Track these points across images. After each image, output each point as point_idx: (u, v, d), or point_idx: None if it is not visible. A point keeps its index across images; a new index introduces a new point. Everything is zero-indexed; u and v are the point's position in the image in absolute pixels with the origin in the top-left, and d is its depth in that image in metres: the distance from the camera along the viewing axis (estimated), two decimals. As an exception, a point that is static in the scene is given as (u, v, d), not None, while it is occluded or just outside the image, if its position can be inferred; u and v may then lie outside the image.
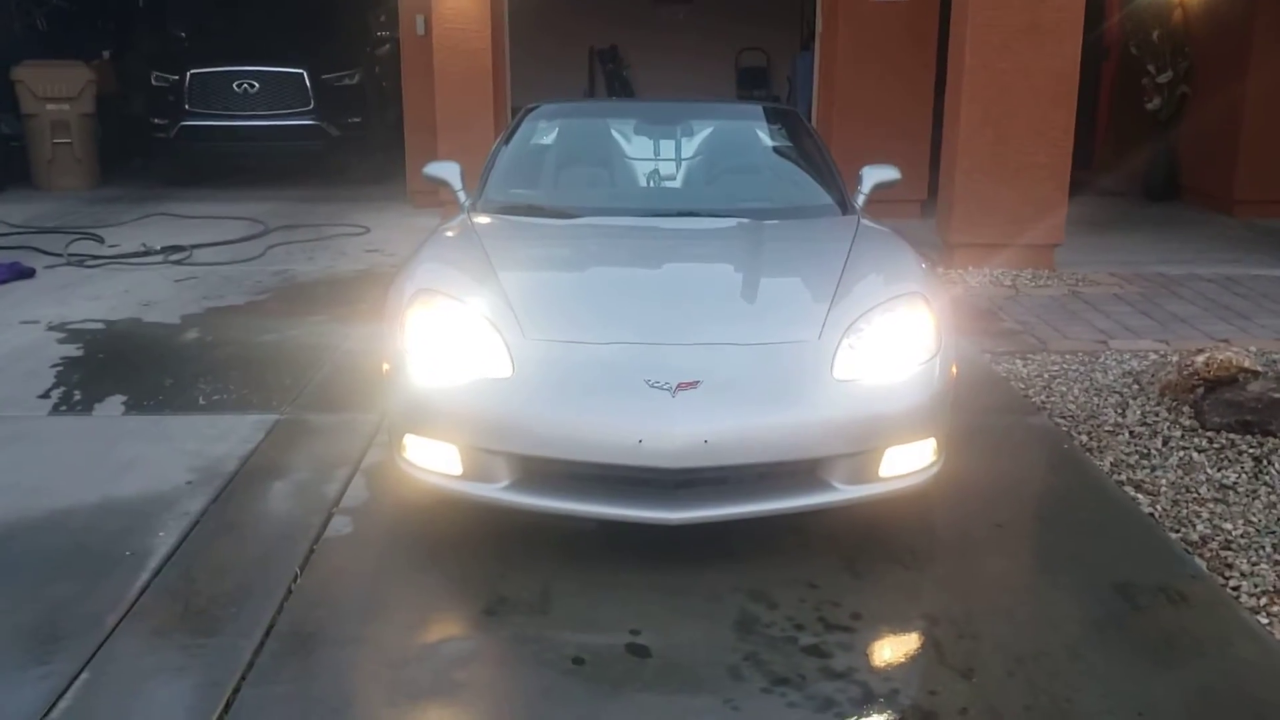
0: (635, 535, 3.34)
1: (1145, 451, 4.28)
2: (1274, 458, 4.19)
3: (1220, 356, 4.60)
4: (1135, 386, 4.99)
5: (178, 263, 7.34)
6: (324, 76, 10.47)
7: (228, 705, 2.66)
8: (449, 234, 4.31)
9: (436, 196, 7.74)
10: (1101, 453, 4.27)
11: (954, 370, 3.56)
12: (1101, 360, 5.40)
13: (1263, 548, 3.51)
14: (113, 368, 5.22)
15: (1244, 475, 4.06)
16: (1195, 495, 3.91)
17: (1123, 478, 4.04)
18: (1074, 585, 3.27)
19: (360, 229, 8.60)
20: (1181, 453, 4.27)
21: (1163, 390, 4.84)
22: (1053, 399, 4.86)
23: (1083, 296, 6.61)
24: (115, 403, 4.71)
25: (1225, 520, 3.71)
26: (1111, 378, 5.13)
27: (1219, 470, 4.11)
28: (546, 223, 4.44)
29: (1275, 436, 4.34)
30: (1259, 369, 4.60)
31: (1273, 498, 3.87)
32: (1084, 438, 4.41)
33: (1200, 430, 4.46)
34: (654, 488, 3.19)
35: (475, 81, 8.51)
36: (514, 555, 3.38)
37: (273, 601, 3.11)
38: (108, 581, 3.21)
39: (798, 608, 3.10)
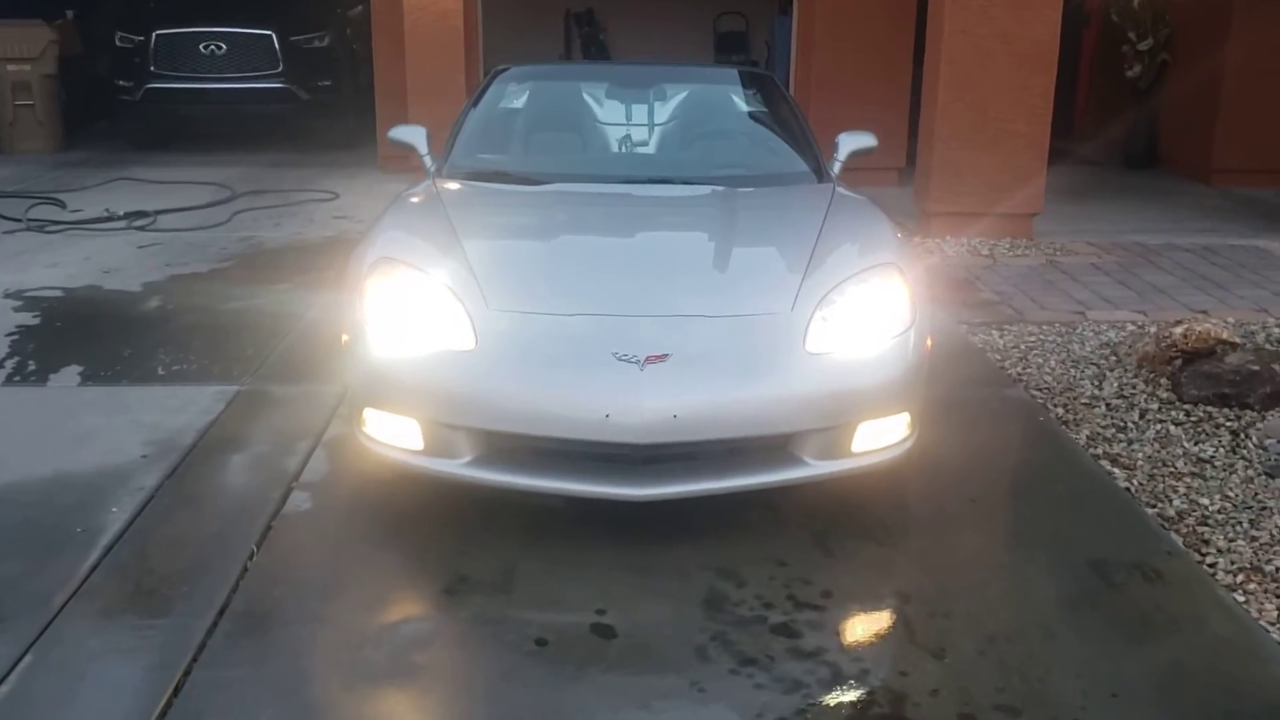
0: (602, 512, 3.27)
1: (1122, 424, 4.23)
2: (1251, 431, 4.15)
3: (1198, 328, 4.55)
4: (1113, 358, 4.93)
5: (141, 229, 7.18)
6: (293, 38, 10.25)
7: (177, 689, 2.57)
8: (413, 200, 4.19)
9: (408, 162, 7.50)
10: (1078, 426, 4.21)
11: (929, 343, 3.50)
12: (1079, 331, 5.35)
13: (1239, 523, 3.47)
14: (70, 337, 5.08)
15: (1221, 449, 4.01)
16: (1172, 469, 3.86)
17: (1099, 451, 3.99)
18: (1048, 561, 3.22)
19: (329, 195, 8.44)
20: (1159, 426, 4.22)
21: (1140, 362, 4.79)
22: (1029, 371, 4.80)
23: (1060, 266, 6.55)
24: (71, 373, 4.58)
25: (1202, 495, 3.66)
26: (1089, 349, 5.07)
27: (1196, 444, 4.06)
28: (514, 189, 4.33)
29: (1253, 409, 4.30)
30: (1237, 341, 4.56)
31: (1250, 472, 3.82)
32: (1060, 410, 4.35)
33: (1178, 403, 4.41)
34: (621, 463, 3.11)
35: (446, 42, 8.36)
36: (476, 533, 3.29)
37: (228, 580, 3.02)
38: (57, 559, 3.12)
39: (767, 585, 3.04)
